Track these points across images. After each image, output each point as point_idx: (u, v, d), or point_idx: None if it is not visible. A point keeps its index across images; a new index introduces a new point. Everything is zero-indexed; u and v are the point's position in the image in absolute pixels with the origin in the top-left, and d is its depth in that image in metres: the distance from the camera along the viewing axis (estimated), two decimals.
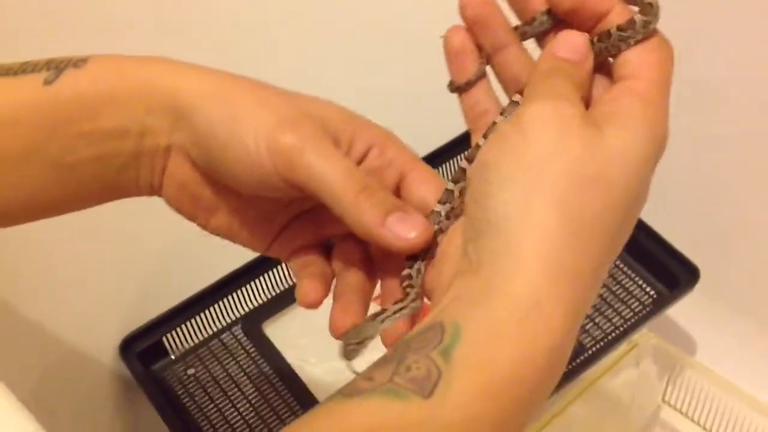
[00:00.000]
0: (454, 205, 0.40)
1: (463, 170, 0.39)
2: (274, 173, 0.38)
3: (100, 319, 0.77)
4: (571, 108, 0.34)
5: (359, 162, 0.41)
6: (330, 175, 0.38)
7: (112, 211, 0.71)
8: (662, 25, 0.37)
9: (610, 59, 0.38)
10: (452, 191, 0.40)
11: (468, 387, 0.31)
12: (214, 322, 0.80)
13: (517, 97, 0.39)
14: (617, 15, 0.37)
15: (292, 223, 0.44)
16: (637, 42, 0.36)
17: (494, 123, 0.39)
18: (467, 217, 0.35)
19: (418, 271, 0.39)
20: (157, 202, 0.73)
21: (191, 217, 0.44)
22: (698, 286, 0.78)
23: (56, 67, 0.40)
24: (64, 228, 0.68)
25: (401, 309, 0.39)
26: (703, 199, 0.84)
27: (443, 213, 0.39)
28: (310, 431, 0.32)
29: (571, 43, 0.37)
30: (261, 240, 0.44)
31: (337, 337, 0.40)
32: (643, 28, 0.36)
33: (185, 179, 0.42)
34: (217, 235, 0.44)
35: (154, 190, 0.43)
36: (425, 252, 0.39)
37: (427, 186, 0.41)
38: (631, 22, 0.36)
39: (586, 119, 0.34)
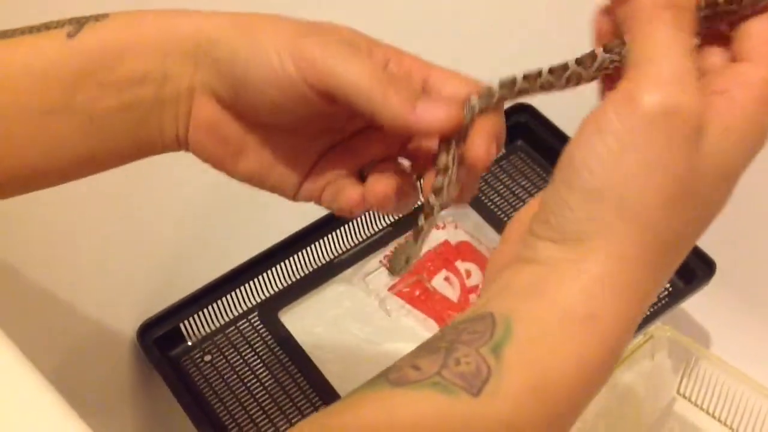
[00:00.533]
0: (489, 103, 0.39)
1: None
2: (301, 82, 0.38)
3: (118, 305, 0.77)
4: (685, 110, 0.30)
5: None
6: (357, 73, 0.37)
7: (133, 197, 0.72)
8: None
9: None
10: (491, 88, 0.39)
11: (517, 388, 0.31)
12: (230, 310, 0.81)
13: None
14: None
15: (321, 161, 0.44)
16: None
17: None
18: (543, 204, 0.34)
19: (453, 158, 0.39)
20: (175, 189, 0.73)
21: (219, 164, 0.43)
22: (713, 279, 0.77)
23: (78, 22, 0.40)
24: (85, 214, 0.70)
25: (431, 215, 0.40)
26: None
27: (477, 107, 0.39)
28: (355, 418, 0.31)
29: None
30: (291, 180, 0.43)
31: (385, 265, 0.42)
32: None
33: (211, 120, 0.42)
34: (247, 181, 0.44)
35: (179, 143, 0.43)
36: (458, 138, 0.39)
37: (453, 81, 0.40)
38: None
39: (697, 125, 0.31)
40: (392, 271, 0.41)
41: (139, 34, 0.40)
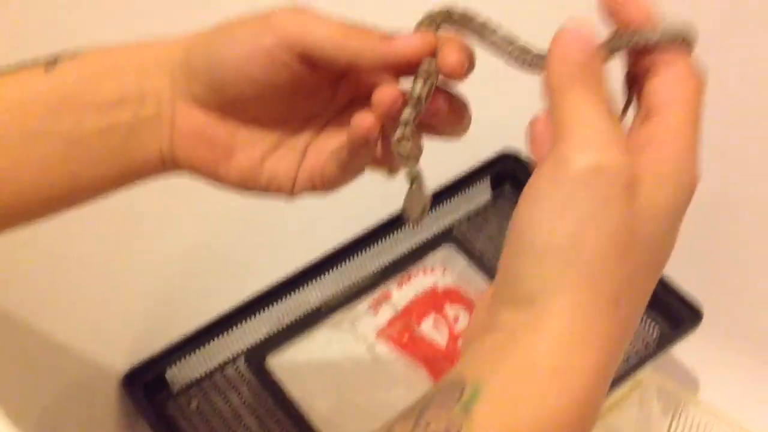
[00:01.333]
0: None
1: None
2: (277, 49, 0.39)
3: (105, 350, 0.77)
4: (613, 167, 0.32)
5: None
6: (328, 27, 0.39)
7: (119, 243, 0.72)
8: None
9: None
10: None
11: None
12: (218, 355, 0.80)
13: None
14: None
15: (311, 148, 0.44)
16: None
17: None
18: (498, 273, 0.35)
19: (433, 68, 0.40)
20: (162, 235, 0.73)
21: (209, 170, 0.43)
22: (701, 325, 0.78)
23: (54, 58, 0.42)
24: (71, 259, 0.70)
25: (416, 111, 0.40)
26: (706, 239, 0.85)
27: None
28: None
29: (580, 41, 0.34)
30: (285, 173, 0.44)
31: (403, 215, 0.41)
32: (669, 38, 0.35)
33: (196, 126, 0.42)
34: (241, 184, 0.44)
35: (164, 161, 0.43)
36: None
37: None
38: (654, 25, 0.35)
39: (627, 179, 0.32)
40: (412, 220, 0.41)
41: (114, 60, 0.42)
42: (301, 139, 0.44)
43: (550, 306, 0.32)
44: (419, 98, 0.40)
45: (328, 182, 0.44)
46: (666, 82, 0.35)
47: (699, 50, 0.36)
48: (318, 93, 0.43)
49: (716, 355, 0.83)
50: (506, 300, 0.34)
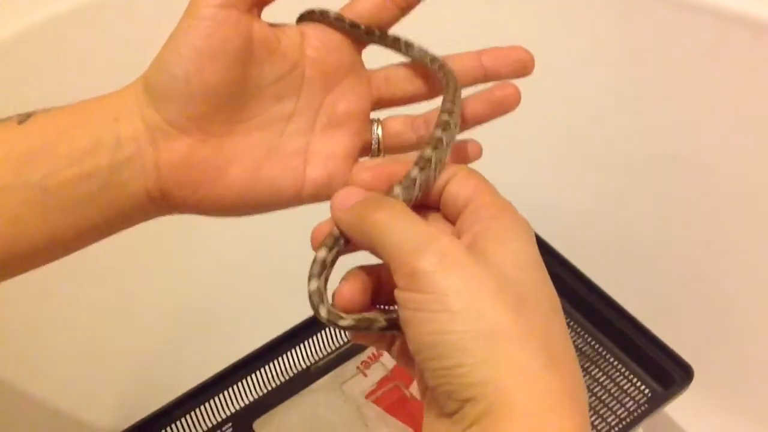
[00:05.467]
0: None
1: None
2: (219, 7, 0.39)
3: (89, 418, 0.75)
4: (449, 244, 0.34)
5: (301, 45, 0.44)
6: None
7: (101, 306, 0.71)
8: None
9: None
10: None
11: None
12: (204, 421, 0.79)
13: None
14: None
15: (311, 142, 0.44)
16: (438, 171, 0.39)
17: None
18: (440, 396, 0.34)
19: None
20: (144, 301, 0.72)
21: (207, 194, 0.42)
22: (692, 383, 0.77)
23: (26, 114, 0.41)
24: (53, 325, 0.69)
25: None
26: (696, 298, 0.85)
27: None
28: None
29: (351, 192, 0.39)
30: (285, 179, 0.43)
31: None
32: (447, 146, 0.40)
33: (181, 154, 0.41)
34: (243, 201, 0.43)
35: (152, 199, 0.42)
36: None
37: None
38: (438, 141, 0.39)
39: (464, 249, 0.34)
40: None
41: (86, 111, 0.41)
42: (291, 141, 0.44)
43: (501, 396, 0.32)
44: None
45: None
46: (456, 186, 0.39)
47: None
48: (276, 66, 0.43)
49: (708, 413, 0.83)
50: (443, 400, 0.34)
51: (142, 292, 0.72)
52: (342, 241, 0.40)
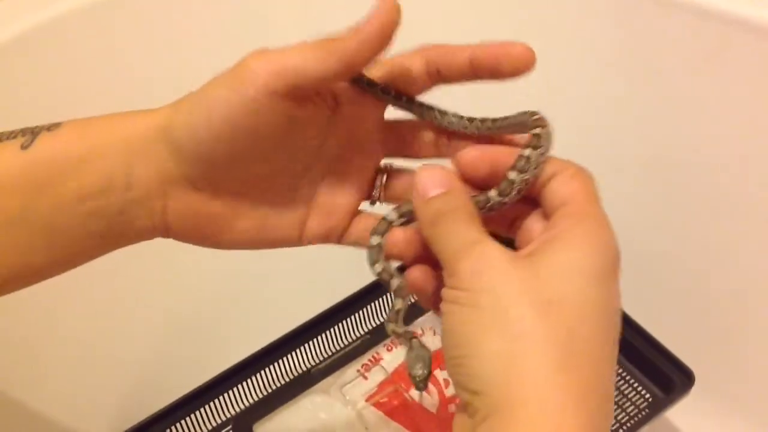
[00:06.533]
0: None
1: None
2: (261, 94, 0.38)
3: (88, 421, 0.75)
4: (489, 248, 0.36)
5: (334, 107, 0.43)
6: (301, 52, 0.38)
7: (98, 311, 0.71)
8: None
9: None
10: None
11: None
12: (204, 424, 0.79)
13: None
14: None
15: (315, 203, 0.44)
16: (538, 172, 0.38)
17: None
18: (456, 386, 0.36)
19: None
20: (144, 303, 0.72)
21: (214, 242, 0.43)
22: (693, 388, 0.77)
23: (31, 133, 0.40)
24: (49, 337, 0.69)
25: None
26: (696, 303, 0.84)
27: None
28: None
29: (435, 178, 0.38)
30: (292, 228, 0.44)
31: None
32: (538, 159, 0.39)
33: (191, 207, 0.41)
34: (250, 245, 0.44)
35: (156, 230, 0.42)
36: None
37: None
38: (525, 159, 0.38)
39: (506, 252, 0.35)
40: (419, 387, 0.42)
41: (94, 142, 0.40)
42: (300, 193, 0.44)
43: (501, 387, 0.33)
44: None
45: (341, 238, 0.45)
46: (558, 184, 0.38)
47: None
48: (307, 138, 0.42)
49: (709, 418, 0.82)
50: (467, 397, 0.34)
51: (141, 295, 0.72)
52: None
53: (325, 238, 0.45)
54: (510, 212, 0.41)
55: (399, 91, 0.42)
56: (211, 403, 0.79)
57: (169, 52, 0.70)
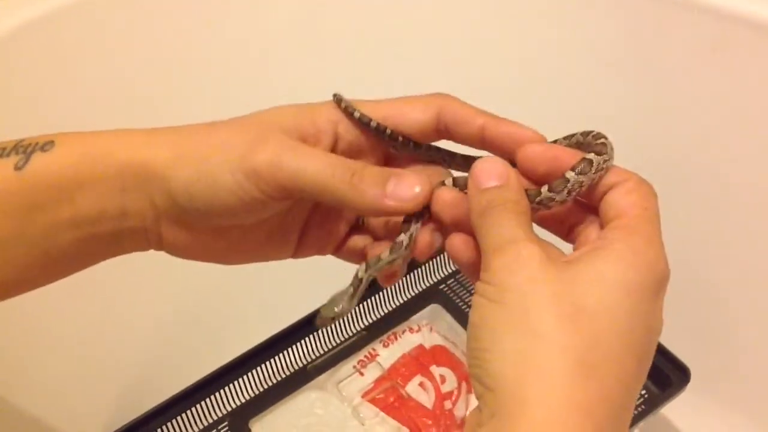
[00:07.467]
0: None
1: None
2: (267, 193, 0.39)
3: (86, 415, 0.75)
4: (527, 248, 0.35)
5: (333, 146, 0.42)
6: (316, 173, 0.38)
7: (94, 307, 0.71)
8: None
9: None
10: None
11: None
12: (200, 420, 0.79)
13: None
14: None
15: (310, 219, 0.45)
16: (596, 177, 0.38)
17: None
18: (471, 378, 0.36)
19: (411, 236, 0.41)
20: (142, 300, 0.72)
21: (209, 261, 0.44)
22: (690, 385, 0.77)
23: (24, 151, 0.39)
24: (44, 335, 0.68)
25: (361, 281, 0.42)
26: (693, 299, 0.85)
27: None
28: None
29: (493, 170, 0.38)
30: (286, 247, 0.45)
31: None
32: (600, 165, 0.38)
33: (186, 239, 0.42)
34: (244, 262, 0.45)
35: (151, 246, 0.43)
36: (421, 214, 0.41)
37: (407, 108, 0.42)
38: (587, 162, 0.38)
39: (544, 255, 0.35)
40: (320, 323, 0.43)
41: (90, 170, 0.40)
42: (290, 227, 0.45)
43: (518, 384, 0.33)
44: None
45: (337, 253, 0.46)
46: (618, 194, 0.38)
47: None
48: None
49: (705, 414, 0.83)
50: (482, 391, 0.34)
51: (137, 292, 0.72)
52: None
53: (320, 252, 0.46)
54: (569, 218, 0.41)
55: (406, 137, 0.43)
56: (208, 400, 0.79)
57: (164, 47, 0.70)
